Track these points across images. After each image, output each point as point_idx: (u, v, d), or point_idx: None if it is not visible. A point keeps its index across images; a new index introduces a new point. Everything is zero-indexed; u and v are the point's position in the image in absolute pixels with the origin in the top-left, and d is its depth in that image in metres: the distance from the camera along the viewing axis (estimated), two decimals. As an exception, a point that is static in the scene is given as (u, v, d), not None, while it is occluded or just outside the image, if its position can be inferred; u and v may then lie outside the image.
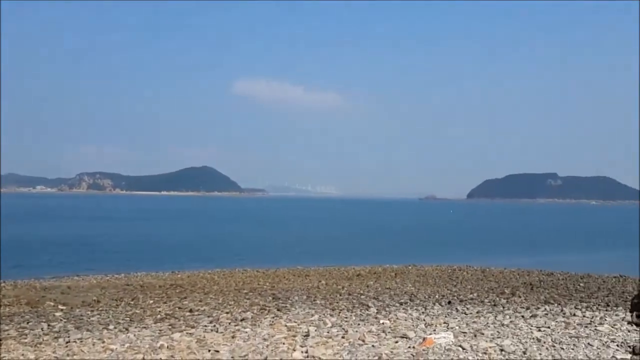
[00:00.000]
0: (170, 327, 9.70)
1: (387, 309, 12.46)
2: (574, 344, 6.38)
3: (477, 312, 11.25)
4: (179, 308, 12.21)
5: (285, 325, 9.41)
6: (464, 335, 7.02)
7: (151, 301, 13.28)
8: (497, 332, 7.20)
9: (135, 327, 9.65)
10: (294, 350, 6.77)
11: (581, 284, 18.00)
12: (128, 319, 10.83)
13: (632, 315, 7.67)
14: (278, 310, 12.06)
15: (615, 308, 11.48)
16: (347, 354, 6.08)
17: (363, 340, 7.00)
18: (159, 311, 11.72)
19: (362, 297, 14.41)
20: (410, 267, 22.23)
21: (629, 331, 7.19)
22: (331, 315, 11.13)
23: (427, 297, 14.58)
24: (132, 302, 13.08)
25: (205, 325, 9.86)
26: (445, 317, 10.32)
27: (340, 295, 14.70)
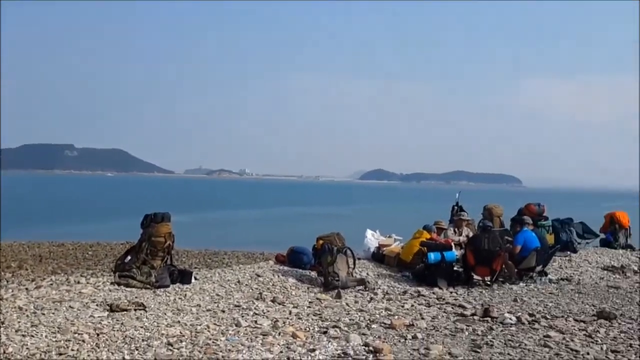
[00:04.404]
0: None
1: None
2: (55, 308, 6.56)
3: (-25, 290, 10.44)
4: None
5: None
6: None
7: None
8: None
9: None
10: None
11: (90, 252, 18.57)
12: None
13: (114, 276, 8.32)
14: None
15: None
16: None
17: None
18: None
19: None
20: None
21: (110, 290, 7.73)
22: None
23: None
24: None
25: None
26: None
27: None
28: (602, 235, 14.87)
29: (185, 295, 7.82)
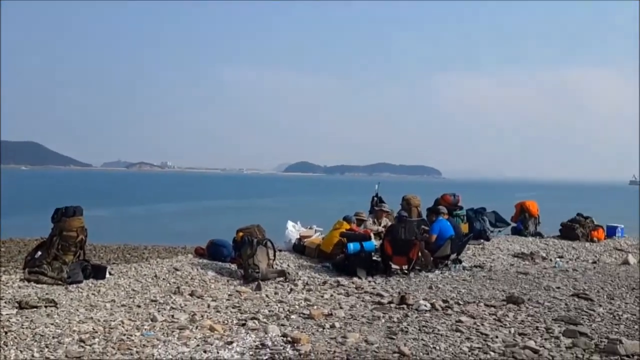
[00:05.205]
0: None
1: None
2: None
3: None
4: None
5: None
6: None
7: None
8: None
9: None
10: None
11: (2, 249, 17.74)
12: None
13: (24, 272, 8.00)
14: None
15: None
16: None
17: None
18: None
19: None
20: None
21: (19, 287, 7.48)
22: None
23: None
24: None
25: None
26: None
27: None
28: (513, 224, 15.50)
29: (99, 290, 7.61)
